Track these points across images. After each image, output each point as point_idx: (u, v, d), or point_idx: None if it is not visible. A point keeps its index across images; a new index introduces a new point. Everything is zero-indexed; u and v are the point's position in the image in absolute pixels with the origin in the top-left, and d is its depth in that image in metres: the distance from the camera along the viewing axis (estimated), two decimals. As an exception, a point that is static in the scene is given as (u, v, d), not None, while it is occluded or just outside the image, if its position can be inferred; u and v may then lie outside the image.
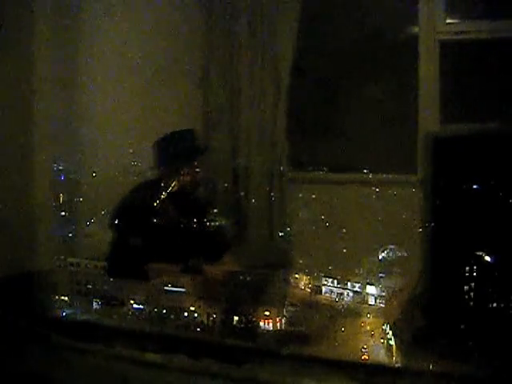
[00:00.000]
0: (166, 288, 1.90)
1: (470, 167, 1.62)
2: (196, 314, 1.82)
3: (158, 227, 2.56)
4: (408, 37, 3.65)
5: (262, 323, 1.75)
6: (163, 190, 2.66)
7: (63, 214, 2.43)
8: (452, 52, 3.51)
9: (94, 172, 2.68)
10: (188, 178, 2.73)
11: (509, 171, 1.58)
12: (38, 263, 2.49)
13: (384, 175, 3.51)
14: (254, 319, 1.74)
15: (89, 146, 2.84)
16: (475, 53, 3.45)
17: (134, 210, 2.52)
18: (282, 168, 3.74)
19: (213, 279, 2.20)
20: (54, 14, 2.70)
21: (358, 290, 2.07)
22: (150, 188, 2.64)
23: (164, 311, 1.87)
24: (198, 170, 2.75)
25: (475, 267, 1.57)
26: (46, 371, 1.87)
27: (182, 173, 2.72)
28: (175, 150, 2.64)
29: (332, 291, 2.12)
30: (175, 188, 2.68)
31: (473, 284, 1.57)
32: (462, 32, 3.49)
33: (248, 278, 1.91)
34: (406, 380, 1.53)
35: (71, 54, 2.80)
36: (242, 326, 1.74)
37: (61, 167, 2.53)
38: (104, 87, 2.96)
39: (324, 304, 2.04)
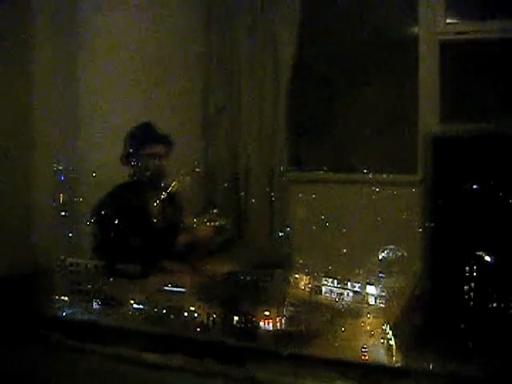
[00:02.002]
0: (165, 288, 1.90)
1: (470, 167, 1.62)
2: (196, 314, 1.82)
3: (154, 226, 2.58)
4: (408, 37, 3.65)
5: (262, 323, 1.75)
6: (163, 190, 2.67)
7: (63, 213, 2.43)
8: (452, 52, 3.51)
9: (94, 172, 2.68)
10: (188, 179, 2.74)
11: (509, 171, 1.58)
12: (38, 263, 2.49)
13: (384, 175, 3.51)
14: (253, 319, 1.74)
15: (89, 146, 2.84)
16: (475, 53, 3.45)
17: (131, 211, 2.52)
18: (281, 168, 3.74)
19: (213, 279, 2.20)
20: (54, 11, 2.70)
21: (358, 290, 2.07)
22: (137, 187, 2.65)
23: (164, 311, 1.87)
24: (198, 169, 2.76)
25: (475, 267, 1.57)
26: (45, 371, 1.87)
27: (181, 173, 2.73)
28: (138, 140, 2.66)
29: (332, 291, 2.12)
30: (175, 188, 2.69)
31: (473, 284, 1.57)
32: (462, 32, 3.49)
33: (248, 278, 1.91)
34: (406, 380, 1.53)
35: (71, 53, 2.80)
36: (242, 325, 1.74)
37: (61, 167, 2.53)
38: (104, 87, 2.96)
39: (324, 304, 2.04)
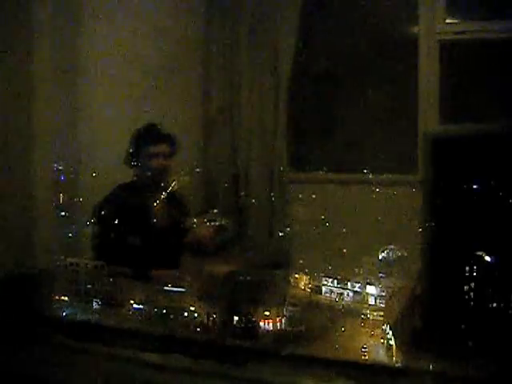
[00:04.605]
0: (165, 288, 1.90)
1: (470, 167, 1.62)
2: (196, 314, 1.82)
3: (153, 226, 2.58)
4: (408, 37, 3.65)
5: (262, 323, 1.75)
6: (163, 190, 2.67)
7: (63, 213, 2.43)
8: (452, 52, 3.51)
9: (94, 172, 2.68)
10: (188, 179, 2.75)
11: (509, 171, 1.58)
12: (38, 263, 2.49)
13: (384, 175, 3.51)
14: (253, 319, 1.74)
15: (89, 146, 2.84)
16: (475, 53, 3.45)
17: (132, 211, 2.53)
18: (281, 168, 3.74)
19: (213, 279, 2.20)
20: (54, 12, 2.70)
21: (358, 290, 2.06)
22: (139, 187, 2.66)
23: (164, 311, 1.87)
24: (197, 169, 2.76)
25: (475, 267, 1.57)
26: (45, 371, 1.87)
27: (182, 172, 2.74)
28: (142, 140, 2.66)
29: (332, 291, 2.12)
30: (175, 188, 2.69)
31: (473, 284, 1.57)
32: (462, 32, 3.49)
33: (248, 278, 1.91)
34: (406, 380, 1.53)
35: (71, 53, 2.80)
36: (242, 325, 1.74)
37: (61, 167, 2.53)
38: (104, 87, 2.96)
39: (324, 304, 2.04)
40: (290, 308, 1.82)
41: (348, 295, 2.08)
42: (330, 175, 3.71)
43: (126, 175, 2.71)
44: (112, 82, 3.01)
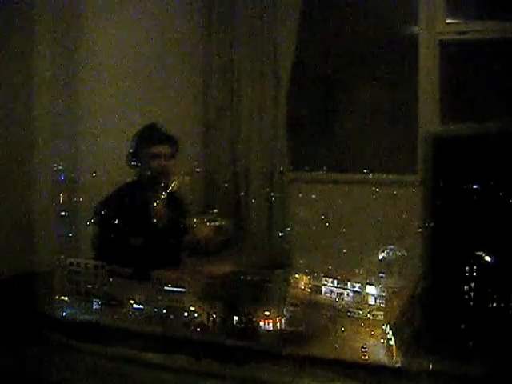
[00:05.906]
0: (165, 288, 1.90)
1: (470, 167, 1.63)
2: (196, 314, 1.82)
3: (154, 226, 2.58)
4: (408, 37, 3.66)
5: (262, 323, 1.75)
6: (163, 190, 2.67)
7: (63, 213, 2.43)
8: (452, 52, 3.51)
9: (94, 172, 2.68)
10: (188, 179, 2.75)
11: (509, 171, 1.58)
12: (38, 263, 2.49)
13: (384, 175, 3.51)
14: (254, 319, 1.74)
15: (88, 146, 2.84)
16: (475, 53, 3.45)
17: (132, 211, 2.53)
18: (281, 168, 3.74)
19: (213, 279, 2.20)
20: (55, 11, 2.70)
21: (358, 290, 2.06)
22: (140, 187, 2.66)
23: (164, 311, 1.87)
24: (197, 170, 2.76)
25: (475, 267, 1.57)
26: (45, 371, 1.87)
27: (182, 172, 2.74)
28: (143, 140, 2.67)
29: (332, 291, 2.12)
30: (175, 188, 2.69)
31: (473, 284, 1.57)
32: (462, 32, 3.49)
33: (248, 278, 1.91)
34: (406, 380, 1.53)
35: (71, 53, 2.80)
36: (242, 325, 1.74)
37: (61, 167, 2.53)
38: (104, 87, 2.96)
39: (324, 304, 2.04)
40: (290, 308, 1.83)
41: (348, 295, 2.08)
42: (330, 175, 3.70)
43: (127, 175, 2.70)
44: (112, 82, 3.01)
